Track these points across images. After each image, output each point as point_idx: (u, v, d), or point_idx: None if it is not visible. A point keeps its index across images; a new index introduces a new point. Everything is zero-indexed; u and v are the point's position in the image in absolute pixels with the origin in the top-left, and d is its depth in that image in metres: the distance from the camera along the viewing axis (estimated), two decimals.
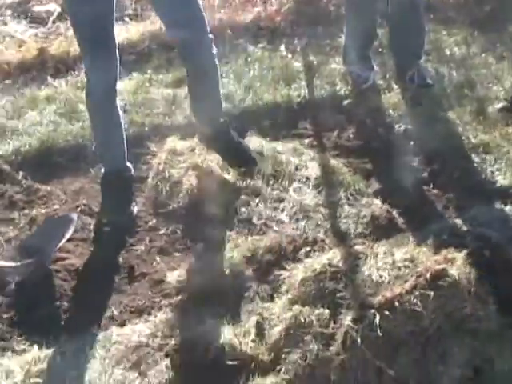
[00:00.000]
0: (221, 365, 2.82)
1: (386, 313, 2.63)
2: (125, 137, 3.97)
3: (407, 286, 2.70)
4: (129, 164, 4.00)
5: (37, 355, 3.03)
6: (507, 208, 3.81)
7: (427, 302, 2.65)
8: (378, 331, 2.60)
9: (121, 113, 3.94)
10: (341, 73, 5.25)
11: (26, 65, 5.48)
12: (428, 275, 2.70)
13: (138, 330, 3.14)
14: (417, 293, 2.67)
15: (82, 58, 3.88)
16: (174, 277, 3.38)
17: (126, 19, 6.01)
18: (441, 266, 2.73)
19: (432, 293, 2.66)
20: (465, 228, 3.60)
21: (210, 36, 3.79)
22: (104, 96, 3.81)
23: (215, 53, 3.86)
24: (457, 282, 2.74)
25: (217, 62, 3.92)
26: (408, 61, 5.10)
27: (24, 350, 3.09)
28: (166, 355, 2.97)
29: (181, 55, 3.97)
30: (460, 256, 2.90)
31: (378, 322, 2.61)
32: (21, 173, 4.25)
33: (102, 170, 4.02)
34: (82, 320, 3.26)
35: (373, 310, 2.66)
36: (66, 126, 4.69)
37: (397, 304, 2.66)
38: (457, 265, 2.81)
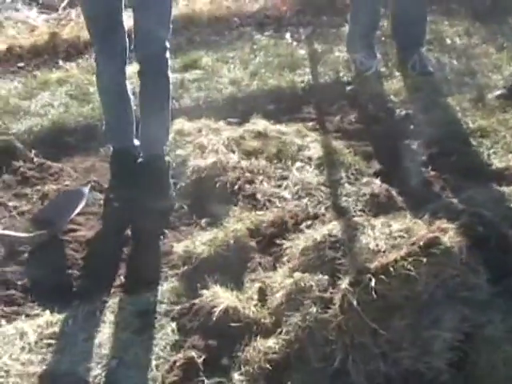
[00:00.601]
0: (224, 328, 2.94)
1: (382, 277, 2.75)
2: (134, 118, 4.09)
3: (402, 252, 2.82)
4: (137, 142, 4.11)
5: (49, 319, 3.16)
6: (502, 189, 3.92)
7: (420, 267, 2.77)
8: (374, 294, 2.72)
9: (131, 95, 4.06)
10: (344, 60, 5.40)
11: (38, 49, 5.63)
12: (421, 243, 2.82)
13: (146, 297, 3.27)
14: (410, 259, 2.78)
15: (92, 42, 3.99)
16: (180, 248, 3.50)
17: None
18: (434, 235, 2.85)
19: (425, 259, 2.78)
20: (460, 207, 3.71)
21: (167, 55, 3.88)
22: (112, 79, 3.95)
23: (170, 76, 3.99)
24: (449, 250, 2.85)
25: (170, 86, 4.03)
26: (410, 49, 5.25)
27: (37, 315, 3.22)
28: (172, 319, 3.10)
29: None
30: (453, 227, 3.03)
31: (373, 286, 2.73)
32: (33, 151, 4.38)
33: (111, 149, 4.14)
34: (92, 288, 3.39)
35: (369, 275, 2.77)
36: (76, 108, 4.84)
37: (391, 269, 2.77)
38: (449, 234, 2.94)
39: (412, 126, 4.62)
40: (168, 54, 3.83)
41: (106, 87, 4.00)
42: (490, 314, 2.94)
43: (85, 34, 5.56)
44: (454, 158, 4.27)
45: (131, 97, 4.08)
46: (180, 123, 4.51)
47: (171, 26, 3.79)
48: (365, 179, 3.98)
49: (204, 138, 4.30)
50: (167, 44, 3.79)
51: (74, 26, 5.84)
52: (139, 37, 3.79)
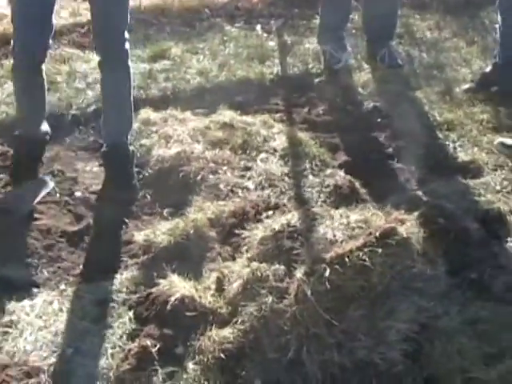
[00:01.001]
0: (180, 317, 2.92)
1: (337, 267, 2.75)
2: (45, 102, 4.08)
3: (358, 243, 2.82)
4: (45, 128, 4.11)
5: (6, 307, 3.12)
6: (467, 182, 3.94)
7: (376, 258, 2.77)
8: (327, 284, 2.72)
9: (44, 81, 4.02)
10: (314, 52, 5.40)
11: (7, 37, 5.54)
12: (378, 233, 2.82)
13: (104, 286, 3.25)
14: (366, 249, 2.78)
15: (14, 32, 3.89)
16: (140, 237, 3.48)
17: None
18: (390, 225, 2.85)
19: (380, 250, 2.78)
20: (423, 199, 3.72)
21: (127, 46, 3.83)
22: (27, 63, 3.88)
23: (130, 66, 3.94)
24: (405, 241, 2.85)
25: (131, 76, 3.98)
26: (380, 42, 5.26)
27: None
28: (129, 308, 3.09)
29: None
30: (411, 218, 3.04)
31: (327, 276, 2.73)
32: None
33: (16, 133, 4.09)
34: (51, 276, 3.36)
35: (323, 265, 2.77)
36: None
37: (347, 259, 2.77)
38: (406, 225, 2.94)
39: (379, 119, 4.62)
40: (127, 45, 3.80)
41: (19, 72, 3.95)
42: (446, 305, 2.96)
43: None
44: (420, 151, 4.27)
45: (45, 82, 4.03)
46: (146, 113, 4.50)
47: (129, 17, 3.75)
48: (329, 171, 3.98)
49: (169, 128, 4.28)
50: (126, 35, 3.77)
51: None
52: (97, 29, 3.80)
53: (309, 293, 2.72)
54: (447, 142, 4.36)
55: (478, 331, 2.86)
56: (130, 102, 3.94)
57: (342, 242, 2.95)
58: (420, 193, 3.85)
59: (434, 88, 4.93)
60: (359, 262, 2.76)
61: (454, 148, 4.31)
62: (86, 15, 5.79)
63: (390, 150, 4.32)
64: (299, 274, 2.81)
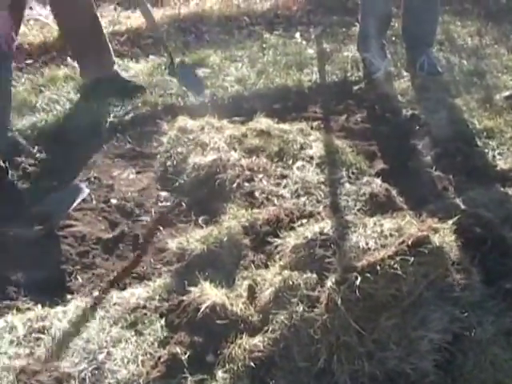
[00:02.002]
0: (211, 325, 2.91)
1: (368, 275, 2.71)
2: None
3: (389, 251, 2.78)
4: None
5: (39, 313, 3.16)
6: (505, 191, 3.88)
7: (407, 267, 2.72)
8: (358, 293, 2.68)
9: None
10: (353, 60, 5.37)
11: (47, 46, 5.63)
12: (410, 242, 2.77)
13: (137, 294, 3.26)
14: (398, 258, 2.73)
15: None
16: (174, 244, 3.48)
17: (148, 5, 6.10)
18: (423, 234, 2.81)
19: (412, 258, 2.73)
20: (461, 208, 3.67)
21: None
22: None
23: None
24: (439, 250, 2.81)
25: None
26: (419, 48, 5.21)
27: (28, 309, 3.22)
28: (161, 316, 3.08)
29: None
30: (445, 226, 2.99)
31: (358, 284, 2.70)
32: (36, 147, 4.38)
33: None
34: (85, 283, 3.39)
35: (355, 273, 2.74)
36: (81, 104, 4.80)
37: (378, 268, 2.73)
38: (440, 234, 2.89)
39: (418, 127, 4.58)
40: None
41: None
42: (480, 315, 2.90)
43: None
44: (458, 159, 4.24)
45: None
46: (183, 121, 4.49)
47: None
48: (365, 179, 3.93)
49: (206, 136, 4.27)
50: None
51: None
52: None
53: (339, 302, 2.69)
54: (486, 150, 4.31)
55: None
56: None
57: (374, 250, 2.90)
58: (458, 201, 3.80)
59: (473, 95, 4.88)
60: (391, 271, 2.71)
61: (494, 156, 4.26)
62: (125, 23, 5.82)
63: (428, 157, 4.27)
64: (330, 282, 2.78)
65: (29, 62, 5.51)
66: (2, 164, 3.71)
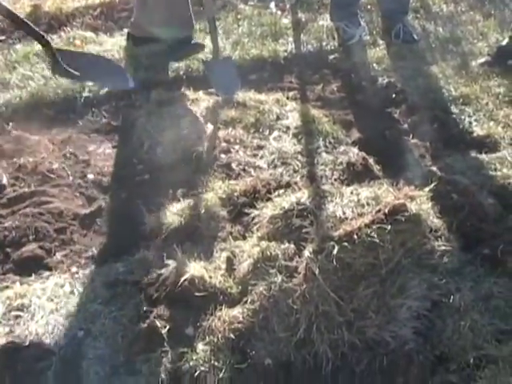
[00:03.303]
0: (190, 297, 2.92)
1: (345, 244, 2.72)
2: None
3: (366, 220, 2.78)
4: None
5: (18, 291, 3.14)
6: (482, 157, 3.88)
7: (385, 235, 2.74)
8: (336, 262, 2.69)
9: None
10: (328, 29, 5.33)
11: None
12: (386, 210, 2.78)
13: (115, 269, 3.24)
14: (375, 226, 2.75)
15: None
16: (151, 219, 3.47)
17: None
18: (399, 201, 2.81)
19: (389, 226, 2.74)
20: (438, 175, 3.67)
21: None
22: None
23: None
24: (416, 217, 2.82)
25: None
26: (394, 16, 5.18)
27: (6, 287, 3.20)
28: (140, 290, 3.07)
29: None
30: (421, 193, 2.99)
31: (336, 253, 2.70)
32: (10, 123, 4.34)
33: None
34: (63, 259, 3.37)
35: (332, 242, 2.74)
36: (55, 80, 4.76)
37: (355, 237, 2.74)
38: (417, 201, 2.90)
39: (394, 95, 4.57)
40: None
41: None
42: (459, 281, 2.93)
43: (67, 6, 5.56)
44: (435, 126, 4.24)
45: None
46: (158, 94, 4.46)
47: None
48: (342, 148, 3.93)
49: (181, 109, 4.24)
50: None
51: None
52: None
53: (317, 271, 2.70)
54: (463, 117, 4.31)
55: (491, 307, 2.84)
56: None
57: (351, 219, 2.91)
58: (435, 168, 3.79)
59: (449, 62, 4.87)
60: (368, 239, 2.73)
61: (470, 122, 4.26)
62: None
63: (405, 125, 4.27)
64: (308, 252, 2.79)
65: (1, 38, 5.43)
66: None
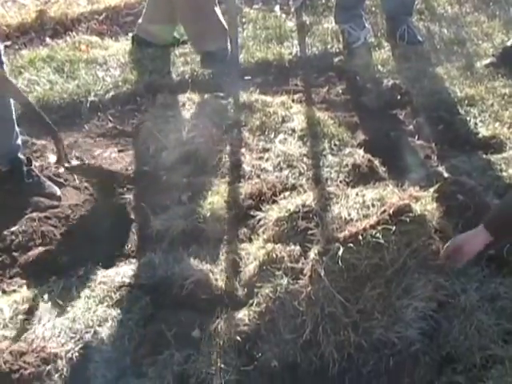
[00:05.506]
0: (196, 300, 2.93)
1: (350, 246, 2.72)
2: None
3: (371, 221, 2.78)
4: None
5: (25, 295, 3.15)
6: (487, 158, 3.88)
7: (389, 236, 2.73)
8: (341, 264, 2.69)
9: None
10: (333, 32, 5.33)
11: (25, 27, 5.57)
12: (391, 211, 2.77)
13: (122, 272, 3.25)
14: (380, 227, 2.74)
15: None
16: (157, 222, 3.47)
17: None
18: (404, 202, 2.81)
19: (394, 227, 2.74)
20: (444, 176, 3.68)
21: None
22: None
23: None
24: (420, 218, 2.81)
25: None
26: (399, 18, 5.18)
27: (14, 291, 3.21)
28: (146, 293, 3.08)
29: None
30: (426, 194, 2.99)
31: (341, 255, 2.70)
32: (18, 129, 4.34)
33: None
34: (70, 263, 3.37)
35: (337, 244, 2.74)
36: (61, 85, 4.77)
37: (361, 238, 2.73)
38: (422, 202, 2.90)
39: (399, 96, 4.57)
40: None
41: None
42: (464, 282, 2.93)
43: (72, 12, 5.57)
44: (440, 127, 4.25)
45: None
46: (164, 97, 4.46)
47: None
48: (348, 150, 3.94)
49: (187, 112, 4.25)
50: None
51: (62, 3, 5.78)
52: None
53: (323, 273, 2.70)
54: (468, 118, 4.31)
55: (497, 308, 2.84)
56: None
57: (356, 220, 2.91)
58: (440, 169, 3.82)
59: (454, 63, 4.88)
60: (373, 240, 2.72)
61: (475, 123, 4.26)
62: (103, 2, 5.78)
63: (410, 127, 4.28)
64: (313, 254, 2.79)
65: (7, 43, 5.44)
66: None
